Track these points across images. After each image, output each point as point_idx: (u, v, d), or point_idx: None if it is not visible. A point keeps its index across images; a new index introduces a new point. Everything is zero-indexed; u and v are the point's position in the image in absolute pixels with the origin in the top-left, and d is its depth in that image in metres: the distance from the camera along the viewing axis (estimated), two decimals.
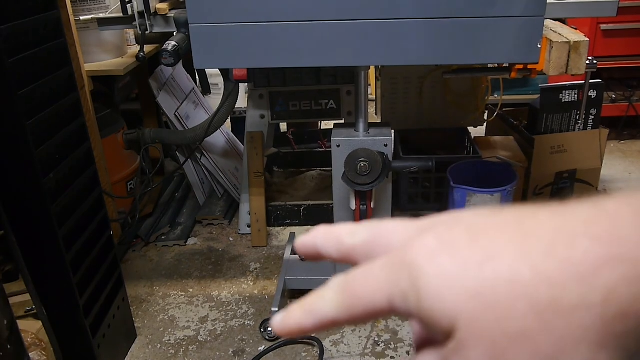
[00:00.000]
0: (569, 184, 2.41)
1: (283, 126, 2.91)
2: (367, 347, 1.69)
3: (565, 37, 1.33)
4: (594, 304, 0.20)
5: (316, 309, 0.26)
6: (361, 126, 1.53)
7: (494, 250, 0.22)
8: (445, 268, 0.23)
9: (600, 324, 0.20)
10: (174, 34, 1.58)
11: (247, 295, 1.96)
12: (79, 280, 1.37)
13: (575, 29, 1.45)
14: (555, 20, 1.53)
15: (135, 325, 1.80)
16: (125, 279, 1.71)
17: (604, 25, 2.72)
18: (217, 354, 1.70)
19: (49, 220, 1.26)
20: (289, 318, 0.27)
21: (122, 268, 1.80)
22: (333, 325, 0.26)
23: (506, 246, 0.22)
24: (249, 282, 2.03)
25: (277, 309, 1.70)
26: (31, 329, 1.36)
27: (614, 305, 0.20)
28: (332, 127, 1.65)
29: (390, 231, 0.28)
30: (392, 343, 1.70)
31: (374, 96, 3.27)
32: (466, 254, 0.23)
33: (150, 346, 1.75)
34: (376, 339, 1.72)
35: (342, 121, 2.16)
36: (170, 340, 1.77)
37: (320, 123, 2.94)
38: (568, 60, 1.31)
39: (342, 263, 0.29)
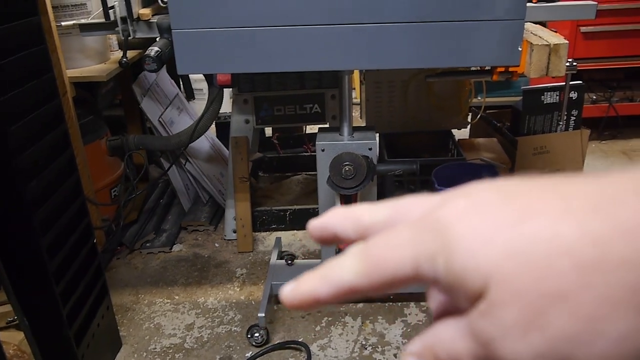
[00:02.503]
0: None
1: (268, 131, 2.91)
2: (355, 350, 1.69)
3: (546, 40, 1.35)
4: None
5: (334, 276, 0.24)
6: (345, 130, 1.54)
7: (532, 210, 0.21)
8: (479, 226, 0.21)
9: None
10: (157, 39, 1.57)
11: (234, 301, 1.95)
12: (62, 290, 1.35)
13: (555, 31, 1.47)
14: (535, 23, 1.55)
15: (121, 334, 1.79)
16: (109, 287, 1.69)
17: (584, 27, 2.76)
18: None
19: (31, 228, 1.24)
20: (302, 285, 0.25)
21: (107, 276, 1.78)
22: (351, 295, 0.24)
23: (545, 205, 0.21)
24: (235, 288, 2.02)
25: (263, 315, 1.69)
26: (13, 340, 1.34)
27: None
28: (317, 131, 1.66)
29: (412, 205, 0.26)
30: (379, 346, 1.70)
31: (359, 100, 3.28)
32: (502, 213, 0.21)
33: (135, 355, 1.73)
34: (363, 343, 1.72)
35: (327, 125, 2.16)
36: (156, 348, 1.75)
37: (306, 127, 2.94)
38: (548, 63, 1.33)
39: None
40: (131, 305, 1.95)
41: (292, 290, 0.25)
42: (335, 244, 0.28)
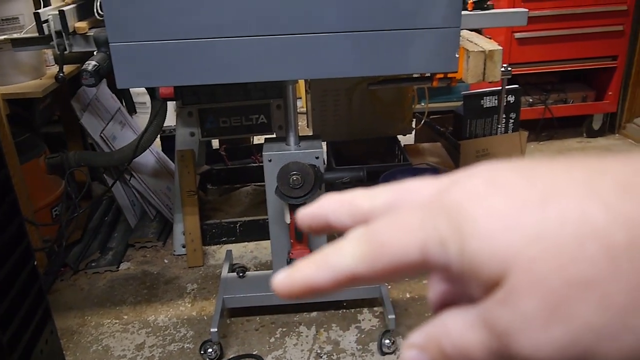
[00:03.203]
0: None
1: (215, 142, 2.88)
2: (310, 359, 1.69)
3: (481, 47, 1.40)
4: None
5: (332, 262, 0.22)
6: (292, 139, 1.54)
7: (556, 190, 0.19)
8: (498, 208, 0.19)
9: None
10: (95, 53, 1.53)
11: (185, 317, 1.91)
12: (1, 315, 1.29)
13: (490, 38, 1.52)
14: (471, 30, 1.61)
15: (66, 358, 1.71)
16: (53, 311, 1.62)
17: (518, 33, 2.87)
18: None
19: None
20: (296, 273, 0.23)
21: (50, 299, 1.71)
22: (352, 282, 0.22)
23: (571, 185, 0.19)
24: (187, 304, 1.98)
25: (216, 330, 1.67)
26: None
27: None
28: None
29: (417, 187, 0.24)
30: (334, 354, 1.70)
31: (305, 109, 3.30)
32: (522, 193, 0.19)
33: None
34: (319, 351, 1.71)
35: (274, 135, 2.16)
36: None
37: (253, 138, 2.93)
38: (485, 68, 1.37)
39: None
40: (77, 328, 1.88)
41: (286, 278, 0.23)
42: (327, 234, 0.26)
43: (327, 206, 0.25)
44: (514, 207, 0.19)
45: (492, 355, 0.19)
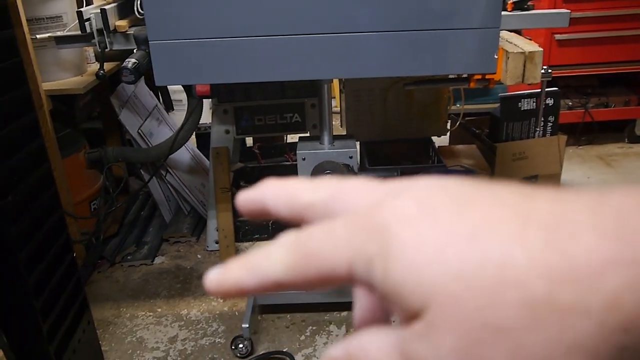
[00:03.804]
0: None
1: (249, 140, 2.90)
2: None
3: (521, 48, 1.37)
4: (596, 309, 0.17)
5: (260, 267, 0.22)
6: (326, 139, 1.54)
7: (485, 226, 0.19)
8: (425, 237, 0.19)
9: (599, 332, 0.17)
10: (134, 51, 1.56)
11: (217, 312, 1.93)
12: (42, 305, 1.32)
13: (530, 39, 1.49)
14: (510, 31, 1.58)
15: (102, 348, 1.75)
16: (90, 302, 1.67)
17: (558, 35, 2.81)
18: None
19: (7, 244, 1.22)
20: (227, 274, 0.23)
21: (88, 290, 1.75)
22: (278, 288, 0.22)
23: (500, 225, 0.19)
24: (219, 299, 2.00)
25: (247, 325, 1.68)
26: None
27: (617, 313, 0.17)
28: (297, 140, 1.66)
29: (356, 189, 0.23)
30: None
31: (339, 108, 3.30)
32: (452, 224, 0.19)
33: None
34: None
35: (308, 134, 2.17)
36: None
37: (286, 136, 2.94)
38: (524, 70, 1.35)
39: (293, 223, 0.25)
40: (113, 319, 1.93)
41: (217, 279, 0.23)
42: (264, 220, 0.26)
43: (267, 192, 0.25)
44: (441, 239, 0.19)
45: None
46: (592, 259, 0.17)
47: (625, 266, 0.17)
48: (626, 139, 3.14)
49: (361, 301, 0.24)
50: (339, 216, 0.22)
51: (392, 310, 0.21)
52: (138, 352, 1.77)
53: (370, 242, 0.20)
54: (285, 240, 0.22)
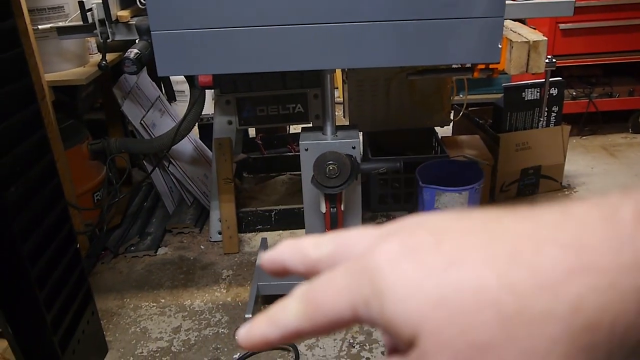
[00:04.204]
0: (534, 180, 2.46)
1: (252, 131, 2.90)
2: (343, 349, 1.69)
3: (525, 37, 1.36)
4: (561, 315, 0.19)
5: (280, 320, 0.25)
6: (329, 129, 1.54)
7: (458, 256, 0.21)
8: (408, 274, 0.22)
9: (568, 336, 0.19)
10: (136, 41, 1.56)
11: (220, 303, 1.94)
12: (46, 296, 1.33)
13: (534, 28, 1.48)
14: (514, 20, 1.56)
15: (106, 339, 1.77)
16: (94, 292, 1.68)
17: (563, 24, 2.79)
18: None
19: (11, 234, 1.22)
20: (254, 330, 0.26)
21: (91, 281, 1.76)
22: (299, 336, 0.25)
23: (471, 251, 0.21)
24: (222, 289, 2.01)
25: (250, 315, 1.69)
26: None
27: (581, 316, 0.19)
28: (300, 131, 1.65)
29: (355, 239, 0.27)
30: (367, 344, 1.70)
31: (342, 99, 3.29)
32: (430, 259, 0.22)
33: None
34: (351, 341, 1.72)
35: (310, 125, 2.16)
36: (142, 352, 1.73)
37: (289, 127, 2.94)
38: (528, 60, 1.34)
39: (310, 277, 0.28)
40: (116, 309, 1.93)
41: (246, 335, 0.26)
42: (287, 276, 0.29)
43: (284, 253, 0.28)
44: (421, 273, 0.21)
45: None
46: (556, 268, 0.20)
47: (586, 273, 0.19)
48: (630, 129, 3.13)
49: (384, 336, 0.27)
50: (342, 264, 0.25)
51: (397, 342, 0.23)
52: (142, 342, 1.78)
53: (365, 285, 0.23)
54: (298, 292, 0.25)
